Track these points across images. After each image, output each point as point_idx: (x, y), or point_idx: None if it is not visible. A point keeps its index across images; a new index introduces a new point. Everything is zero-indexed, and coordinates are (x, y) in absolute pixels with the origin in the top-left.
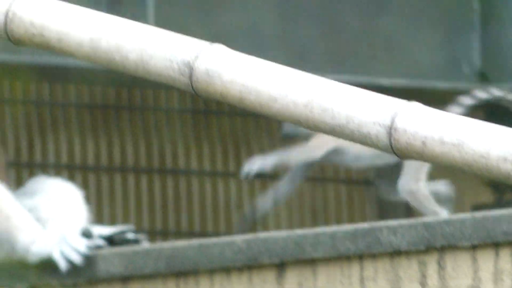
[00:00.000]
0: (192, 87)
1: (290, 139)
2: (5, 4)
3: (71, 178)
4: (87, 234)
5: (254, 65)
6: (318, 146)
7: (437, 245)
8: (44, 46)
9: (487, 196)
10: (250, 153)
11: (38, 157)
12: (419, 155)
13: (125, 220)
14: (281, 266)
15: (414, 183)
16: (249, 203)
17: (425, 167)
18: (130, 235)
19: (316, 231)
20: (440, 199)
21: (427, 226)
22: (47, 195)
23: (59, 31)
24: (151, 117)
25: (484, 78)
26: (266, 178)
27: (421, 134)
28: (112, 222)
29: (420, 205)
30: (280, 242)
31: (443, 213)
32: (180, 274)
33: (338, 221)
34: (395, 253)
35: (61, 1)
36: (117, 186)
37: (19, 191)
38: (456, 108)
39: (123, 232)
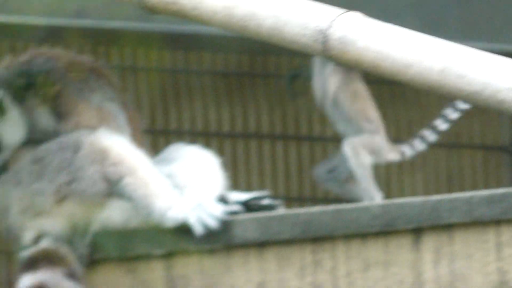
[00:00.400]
0: (326, 53)
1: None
2: None
3: (207, 145)
4: (223, 200)
5: (389, 31)
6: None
7: None
8: (178, 14)
9: None
10: (384, 120)
11: (173, 124)
12: None
13: (261, 187)
14: (417, 232)
15: (355, 139)
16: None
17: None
18: (266, 201)
19: (452, 196)
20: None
21: None
22: (184, 162)
23: None
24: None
25: None
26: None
27: None
28: (248, 188)
29: (355, 162)
30: (416, 207)
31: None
32: (316, 239)
33: (474, 186)
34: None
35: None
36: (252, 152)
37: (156, 158)
38: None
39: (259, 198)
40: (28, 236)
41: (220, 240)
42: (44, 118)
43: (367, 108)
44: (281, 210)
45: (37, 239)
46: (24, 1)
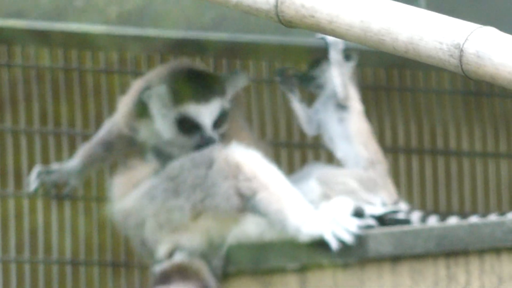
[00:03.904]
0: (461, 69)
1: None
2: None
3: None
4: (358, 214)
5: None
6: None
7: None
8: (314, 27)
9: None
10: None
11: (309, 139)
12: None
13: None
14: None
15: None
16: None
17: None
18: (401, 215)
19: None
20: None
21: None
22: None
23: (330, 13)
24: (422, 98)
25: None
26: None
27: None
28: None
29: None
30: None
31: None
32: (451, 254)
33: None
34: None
35: None
36: (388, 166)
37: (293, 175)
38: None
39: (394, 212)
40: (162, 249)
41: (354, 255)
42: None
43: None
44: (415, 224)
45: (171, 252)
46: (160, 14)
